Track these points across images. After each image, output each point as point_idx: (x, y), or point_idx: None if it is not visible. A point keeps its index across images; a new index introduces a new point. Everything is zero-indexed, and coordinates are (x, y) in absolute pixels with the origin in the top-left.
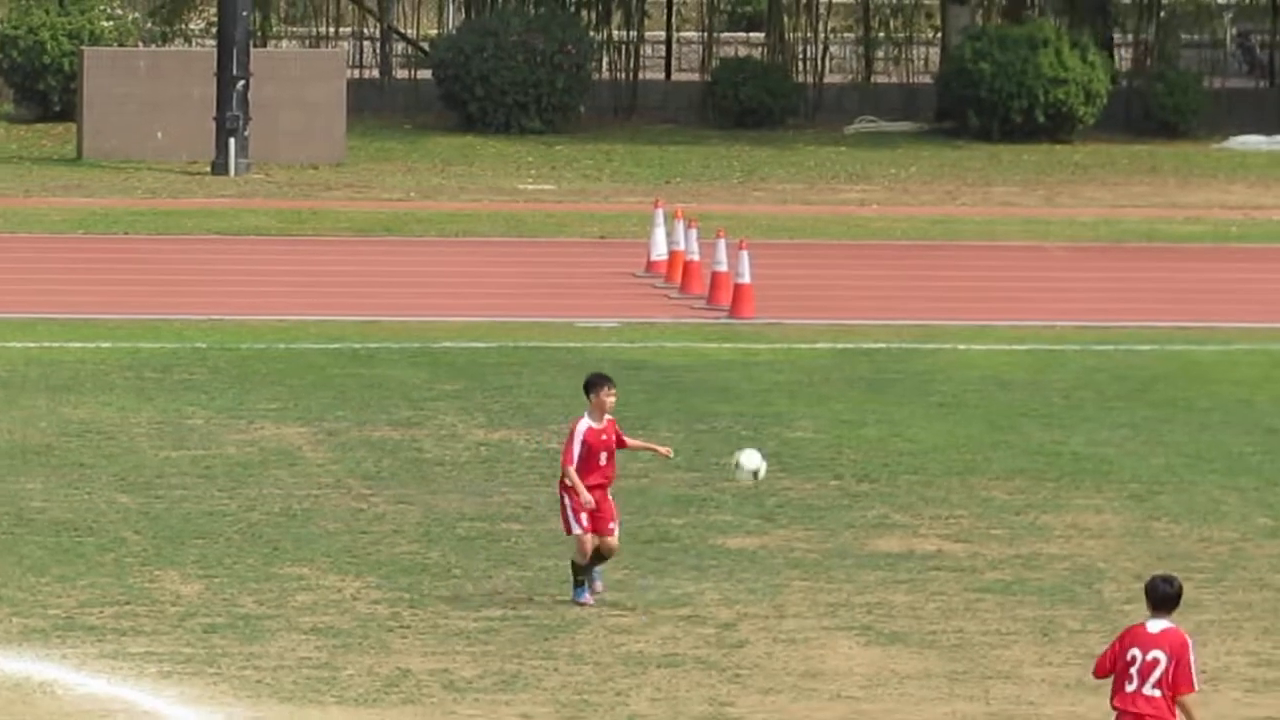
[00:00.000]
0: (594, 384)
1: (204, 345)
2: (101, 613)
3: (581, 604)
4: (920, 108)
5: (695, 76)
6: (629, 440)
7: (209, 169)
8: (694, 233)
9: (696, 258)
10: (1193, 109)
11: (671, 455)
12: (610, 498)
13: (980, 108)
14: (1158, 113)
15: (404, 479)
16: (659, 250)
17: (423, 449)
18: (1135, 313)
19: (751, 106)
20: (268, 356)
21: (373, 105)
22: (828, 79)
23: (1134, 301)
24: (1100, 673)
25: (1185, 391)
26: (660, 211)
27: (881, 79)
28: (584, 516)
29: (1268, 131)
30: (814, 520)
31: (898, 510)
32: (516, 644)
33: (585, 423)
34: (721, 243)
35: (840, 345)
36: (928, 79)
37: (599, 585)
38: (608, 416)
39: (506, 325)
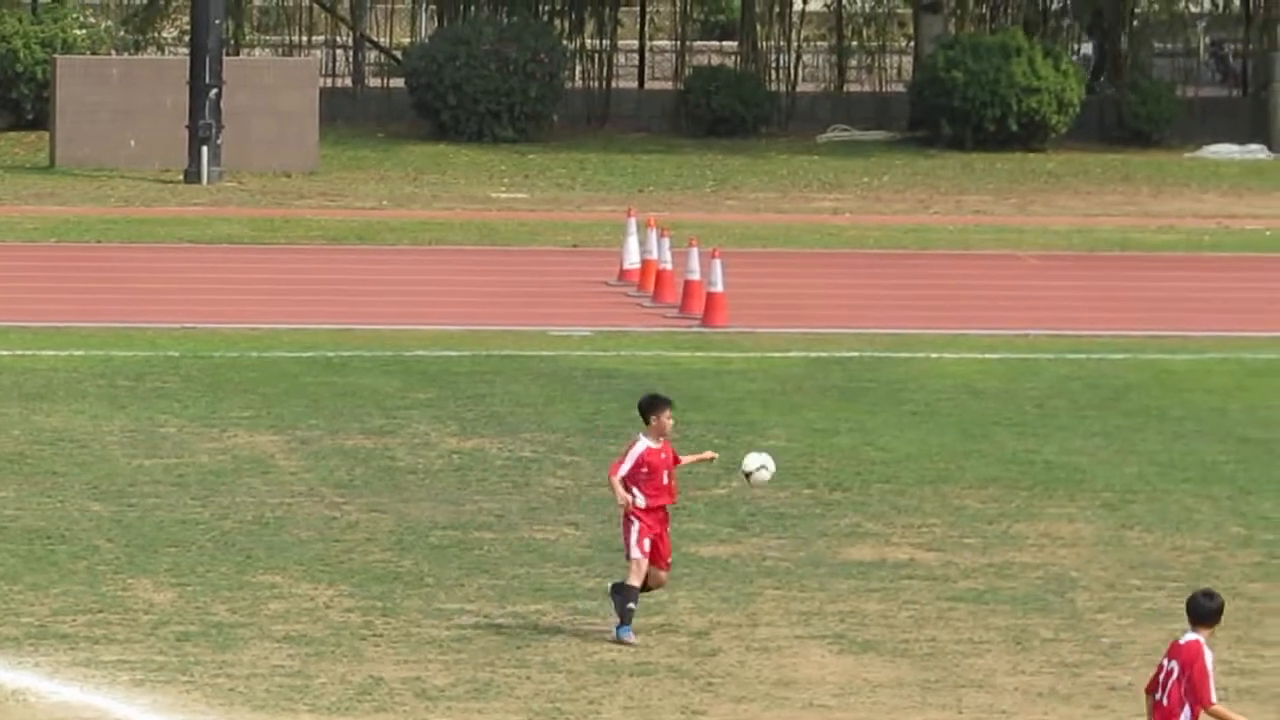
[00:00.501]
0: (651, 406)
1: (177, 353)
2: (74, 621)
3: (624, 642)
4: (893, 116)
5: (668, 85)
6: (682, 458)
7: (182, 177)
8: (667, 241)
9: (669, 266)
10: (1166, 118)
11: (716, 458)
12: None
13: (953, 116)
14: (1131, 121)
15: (376, 487)
16: (632, 259)
17: (395, 457)
18: (1108, 321)
19: (724, 115)
20: (240, 365)
21: (345, 114)
22: (800, 88)
23: (1107, 310)
24: (1147, 688)
25: (1158, 400)
26: (633, 220)
27: (854, 88)
28: (646, 543)
29: (1241, 140)
30: (787, 529)
31: (870, 519)
32: (489, 652)
33: (644, 443)
34: (694, 251)
35: (813, 354)
36: (901, 88)
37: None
38: (663, 438)
39: (479, 333)
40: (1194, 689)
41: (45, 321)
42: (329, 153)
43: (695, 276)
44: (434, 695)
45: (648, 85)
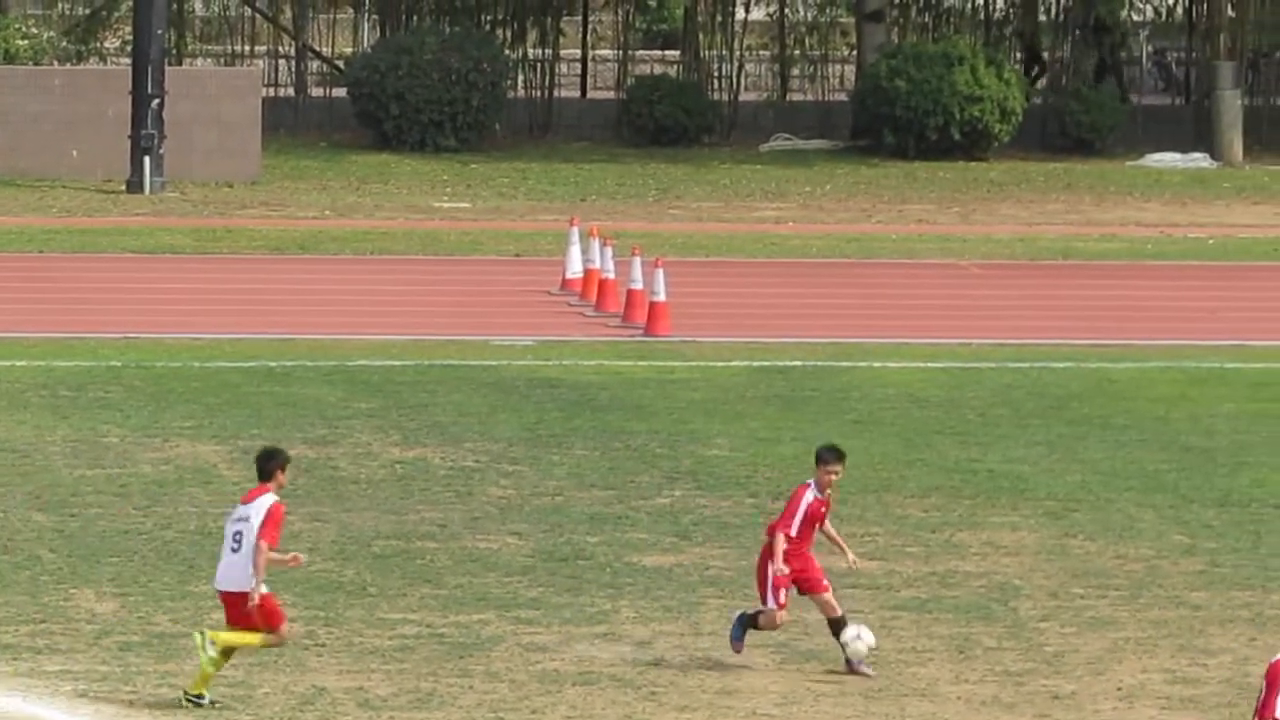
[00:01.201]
0: (825, 458)
1: (119, 363)
2: (16, 631)
3: (736, 648)
4: (836, 125)
5: (611, 94)
6: (828, 526)
7: (124, 187)
8: (609, 251)
9: (612, 276)
10: (1109, 126)
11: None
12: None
13: (896, 125)
14: (1073, 130)
15: (319, 497)
16: (574, 268)
17: (338, 467)
18: (1051, 330)
19: (667, 125)
20: (183, 375)
21: (288, 123)
22: (743, 97)
23: (1050, 319)
24: None
25: (1101, 409)
26: (575, 229)
27: (797, 97)
28: (782, 593)
29: (1183, 149)
30: (729, 538)
31: None
32: (431, 662)
33: (812, 492)
34: (637, 261)
35: (756, 363)
36: (843, 96)
37: (865, 669)
38: (828, 490)
39: (421, 343)
40: (1265, 701)
41: None
42: (271, 162)
43: (638, 286)
44: (376, 705)
45: (590, 94)
